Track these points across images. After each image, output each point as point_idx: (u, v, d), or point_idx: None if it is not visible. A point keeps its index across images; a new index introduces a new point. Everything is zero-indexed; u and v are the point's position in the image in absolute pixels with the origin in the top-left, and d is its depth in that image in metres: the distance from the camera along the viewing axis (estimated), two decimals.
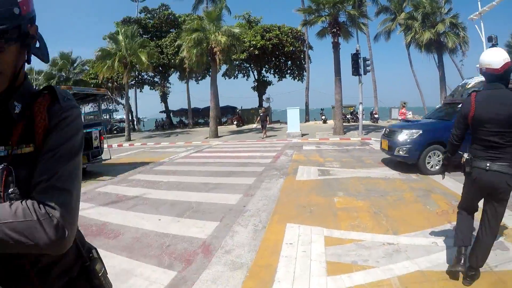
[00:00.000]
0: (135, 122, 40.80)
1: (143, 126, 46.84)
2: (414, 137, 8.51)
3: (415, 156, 8.31)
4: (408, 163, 8.61)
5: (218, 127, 24.53)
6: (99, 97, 13.49)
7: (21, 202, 0.85)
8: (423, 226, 4.58)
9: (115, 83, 32.89)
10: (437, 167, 8.07)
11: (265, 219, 5.12)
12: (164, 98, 39.60)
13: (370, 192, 6.54)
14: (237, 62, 34.75)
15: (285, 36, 33.31)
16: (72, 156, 0.97)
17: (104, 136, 12.25)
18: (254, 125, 21.25)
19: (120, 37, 25.59)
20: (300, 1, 32.58)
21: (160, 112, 42.95)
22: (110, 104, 44.75)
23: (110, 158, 11.89)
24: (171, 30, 35.85)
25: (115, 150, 20.73)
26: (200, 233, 4.69)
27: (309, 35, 34.85)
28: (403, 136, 8.69)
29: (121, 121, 42.33)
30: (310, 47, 37.38)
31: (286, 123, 21.86)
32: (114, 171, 11.01)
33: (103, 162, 11.70)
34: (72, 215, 0.91)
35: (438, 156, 8.18)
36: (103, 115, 41.51)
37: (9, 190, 0.88)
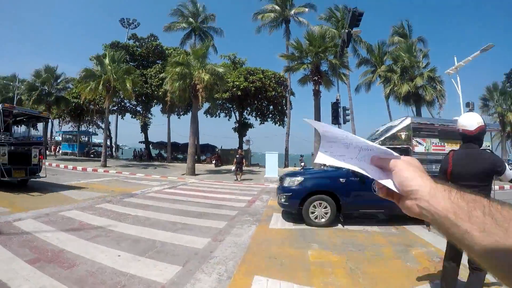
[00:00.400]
0: (113, 149, 40.13)
1: (122, 154, 46.20)
2: (295, 184, 8.31)
3: (295, 205, 8.10)
4: (291, 212, 8.49)
5: (196, 164, 24.28)
6: (42, 120, 14.83)
7: None
8: (403, 286, 4.35)
9: (96, 105, 32.49)
10: (322, 220, 7.85)
11: (232, 269, 4.73)
12: (144, 128, 39.23)
13: (347, 246, 6.24)
14: (220, 101, 35.06)
15: (268, 80, 33.92)
16: None
17: (43, 155, 13.11)
18: (232, 167, 21.07)
19: (107, 60, 25.75)
20: (285, 47, 33.52)
21: (139, 142, 42.52)
22: (90, 127, 44.21)
23: (45, 176, 12.68)
24: (158, 61, 36.25)
25: (88, 174, 20.19)
26: (159, 276, 4.32)
27: (292, 81, 35.62)
28: (285, 184, 8.51)
29: (99, 145, 41.85)
30: (292, 93, 38.35)
31: (264, 166, 21.75)
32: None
33: (39, 179, 12.60)
34: None
35: (325, 207, 7.95)
36: (82, 136, 41.05)
37: None
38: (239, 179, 20.04)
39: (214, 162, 31.88)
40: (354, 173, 7.70)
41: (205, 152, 40.45)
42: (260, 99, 36.37)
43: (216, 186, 16.40)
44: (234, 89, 32.14)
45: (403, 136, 8.85)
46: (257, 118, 38.76)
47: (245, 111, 38.76)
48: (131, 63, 33.13)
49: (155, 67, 34.23)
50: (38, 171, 12.38)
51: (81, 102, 29.76)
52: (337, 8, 33.84)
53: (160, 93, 31.12)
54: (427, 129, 9.15)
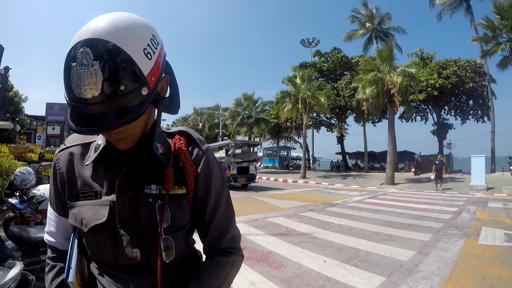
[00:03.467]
0: (311, 161, 42.09)
1: (319, 165, 48.14)
2: None
3: None
4: None
5: (395, 173, 23.42)
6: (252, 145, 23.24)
7: (227, 260, 1.10)
8: None
9: (293, 122, 34.80)
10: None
11: (437, 285, 4.40)
12: (340, 139, 39.82)
13: None
14: (414, 104, 32.56)
15: (463, 71, 29.64)
16: (229, 196, 1.17)
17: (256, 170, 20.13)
18: (432, 175, 19.25)
19: (298, 80, 27.60)
20: (473, 30, 29.12)
21: (336, 153, 43.44)
22: (288, 142, 47.62)
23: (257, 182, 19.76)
24: (345, 72, 36.45)
25: (289, 185, 21.86)
26: (363, 285, 4.40)
27: (490, 66, 29.98)
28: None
29: (297, 158, 45.28)
30: (493, 80, 31.79)
31: (468, 173, 19.33)
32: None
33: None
34: None
35: None
36: (281, 151, 44.77)
37: (164, 226, 0.99)
38: (440, 188, 18.31)
39: (413, 170, 30.02)
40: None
41: (403, 159, 38.41)
42: (457, 94, 32.26)
43: (417, 196, 15.55)
44: (429, 88, 29.45)
45: None
46: (457, 117, 34.40)
47: (443, 110, 34.93)
48: (320, 79, 34.25)
49: (344, 79, 34.63)
50: (254, 179, 19.38)
51: (280, 121, 33.03)
52: None
53: (353, 103, 31.19)
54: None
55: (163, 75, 0.95)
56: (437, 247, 6.37)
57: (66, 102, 0.85)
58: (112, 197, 1.01)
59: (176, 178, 1.03)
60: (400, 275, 4.80)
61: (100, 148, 1.04)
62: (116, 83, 0.79)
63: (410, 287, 4.36)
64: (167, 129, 1.14)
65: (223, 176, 1.16)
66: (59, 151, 1.13)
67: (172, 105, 1.07)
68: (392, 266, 5.21)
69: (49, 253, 1.18)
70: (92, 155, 1.06)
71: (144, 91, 0.83)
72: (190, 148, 1.09)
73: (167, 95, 1.03)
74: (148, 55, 0.84)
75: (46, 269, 1.16)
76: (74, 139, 1.13)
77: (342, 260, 5.51)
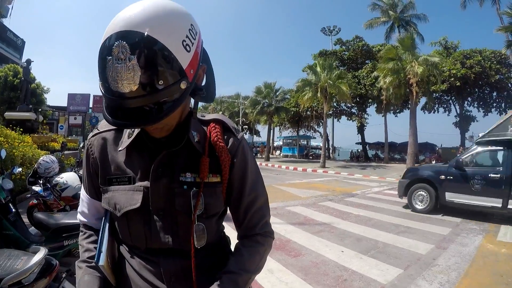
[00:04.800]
0: (330, 151, 41.85)
1: (338, 155, 47.90)
2: None
3: None
4: None
5: (415, 165, 23.10)
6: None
7: (259, 244, 1.15)
8: None
9: (314, 111, 34.63)
10: None
11: (454, 280, 4.41)
12: (361, 129, 39.27)
13: None
14: (436, 94, 31.92)
15: (489, 62, 28.69)
16: (263, 182, 1.21)
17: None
18: None
19: (318, 69, 27.09)
20: (499, 19, 28.10)
21: (356, 143, 43.01)
22: (308, 131, 47.43)
23: None
24: (367, 61, 35.81)
25: (308, 174, 21.84)
26: (380, 276, 4.46)
27: None
28: None
29: (317, 147, 45.24)
30: None
31: None
32: None
33: None
34: None
35: None
36: (301, 140, 44.80)
37: (198, 213, 1.02)
38: None
39: (434, 162, 29.63)
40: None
41: (424, 151, 37.73)
42: (481, 86, 31.19)
43: None
44: (452, 79, 28.32)
45: None
46: (479, 109, 33.47)
47: (466, 101, 33.98)
48: (341, 68, 33.83)
49: (366, 67, 33.95)
50: None
51: (300, 110, 33.38)
52: None
53: (374, 92, 30.55)
54: None
55: (201, 64, 0.93)
56: (455, 241, 6.35)
57: (101, 93, 0.85)
58: (146, 183, 1.02)
59: (211, 166, 1.05)
60: (417, 268, 4.84)
61: (134, 134, 1.05)
62: (155, 78, 0.78)
63: (427, 280, 4.39)
64: (201, 116, 1.14)
65: (256, 164, 1.19)
66: (92, 136, 1.14)
67: (208, 94, 1.03)
68: (410, 258, 5.24)
69: (82, 227, 1.22)
70: (125, 141, 1.07)
71: (183, 85, 0.83)
72: (225, 137, 1.10)
73: (203, 83, 1.02)
74: (187, 47, 0.83)
75: (81, 237, 1.19)
76: (107, 124, 1.11)
77: (359, 251, 5.57)
